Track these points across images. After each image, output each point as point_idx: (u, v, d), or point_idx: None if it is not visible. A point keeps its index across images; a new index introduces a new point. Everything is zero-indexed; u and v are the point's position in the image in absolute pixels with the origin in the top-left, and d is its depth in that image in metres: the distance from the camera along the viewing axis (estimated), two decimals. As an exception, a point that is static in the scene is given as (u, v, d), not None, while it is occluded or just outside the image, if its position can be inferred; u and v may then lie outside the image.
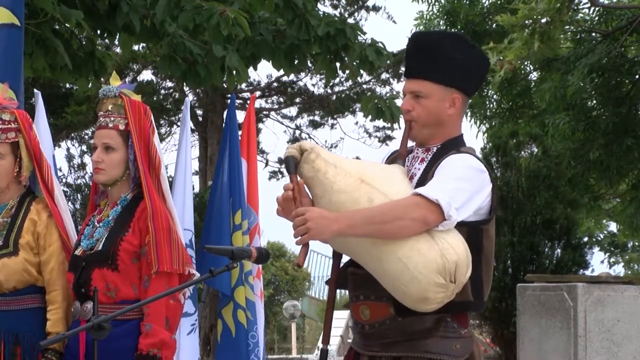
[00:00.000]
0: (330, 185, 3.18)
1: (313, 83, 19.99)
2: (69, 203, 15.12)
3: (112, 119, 3.84)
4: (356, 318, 3.33)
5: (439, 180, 3.19)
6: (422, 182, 3.27)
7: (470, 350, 3.26)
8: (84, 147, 16.51)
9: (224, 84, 7.39)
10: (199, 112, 19.35)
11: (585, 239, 15.30)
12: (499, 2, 12.85)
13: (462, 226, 3.21)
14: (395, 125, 6.23)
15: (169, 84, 19.11)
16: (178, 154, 6.20)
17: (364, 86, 19.71)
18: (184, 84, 16.60)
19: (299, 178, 3.24)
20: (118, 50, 14.93)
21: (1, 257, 3.88)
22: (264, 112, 20.44)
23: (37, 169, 4.00)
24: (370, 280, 3.21)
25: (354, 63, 6.87)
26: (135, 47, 14.28)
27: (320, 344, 3.43)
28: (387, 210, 3.11)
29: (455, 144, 3.35)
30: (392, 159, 3.44)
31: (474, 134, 12.86)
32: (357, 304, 3.30)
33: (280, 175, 19.69)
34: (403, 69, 3.45)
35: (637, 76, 11.86)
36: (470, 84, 3.42)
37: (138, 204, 3.81)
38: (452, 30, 13.34)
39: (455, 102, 3.34)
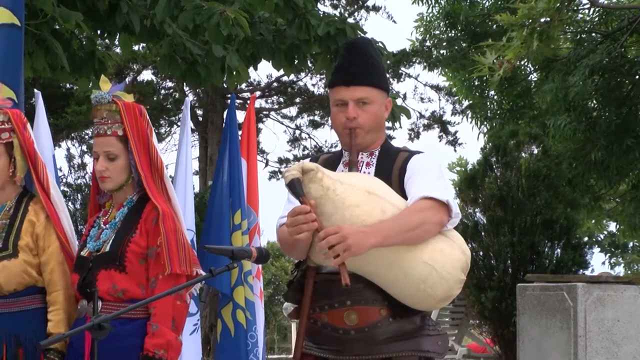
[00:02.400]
0: (342, 202, 3.16)
1: (313, 83, 20.02)
2: (69, 203, 15.12)
3: (109, 125, 3.81)
4: (335, 324, 3.30)
5: (428, 182, 3.26)
6: None
7: (446, 348, 3.38)
8: (84, 147, 16.52)
9: (224, 84, 7.39)
10: (199, 112, 19.37)
11: (585, 239, 15.30)
12: (499, 2, 12.86)
13: None
14: (397, 124, 6.23)
15: (169, 84, 19.13)
16: (178, 154, 6.21)
17: (364, 86, 19.67)
18: (184, 84, 16.61)
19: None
20: (118, 50, 14.94)
21: (1, 259, 3.87)
22: (264, 112, 20.46)
23: (33, 169, 3.98)
24: (357, 286, 3.22)
25: (354, 63, 6.85)
26: (135, 47, 14.30)
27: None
28: (410, 217, 3.16)
29: (391, 145, 3.48)
30: (328, 166, 3.41)
31: (474, 134, 12.91)
32: (341, 310, 3.28)
33: (280, 176, 19.70)
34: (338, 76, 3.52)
35: (637, 76, 11.87)
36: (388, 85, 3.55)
37: (144, 206, 3.81)
38: (453, 32, 13.37)
39: (388, 105, 3.47)
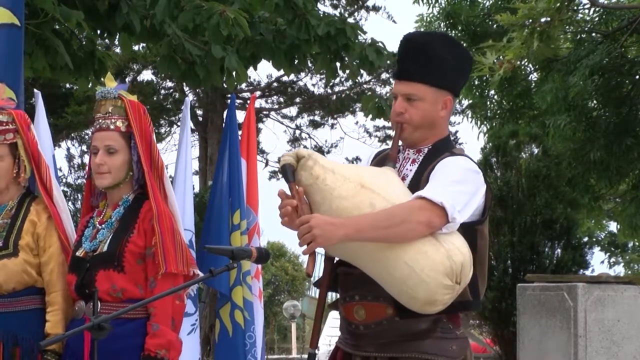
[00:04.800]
0: (330, 192, 3.14)
1: (313, 83, 20.04)
2: (69, 203, 15.13)
3: (113, 120, 3.81)
4: (349, 318, 3.30)
5: (438, 183, 3.17)
6: (415, 183, 3.26)
7: (465, 352, 3.27)
8: (84, 147, 16.55)
9: (224, 85, 7.41)
10: (199, 112, 19.38)
11: (585, 239, 15.30)
12: (499, 2, 12.85)
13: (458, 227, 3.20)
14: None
15: (169, 84, 19.15)
16: (178, 154, 6.20)
17: (364, 86, 19.74)
18: (184, 84, 16.62)
19: (297, 186, 3.18)
20: (118, 50, 14.95)
21: (1, 258, 3.86)
22: (264, 112, 20.48)
23: (36, 170, 3.98)
24: (366, 281, 3.20)
25: (354, 63, 6.87)
26: (135, 47, 14.30)
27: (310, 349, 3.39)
28: (393, 213, 3.09)
29: (446, 145, 3.36)
30: (380, 160, 3.42)
31: (474, 134, 12.93)
32: (351, 304, 3.28)
33: (280, 176, 19.73)
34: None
35: (637, 76, 11.86)
36: (459, 85, 3.43)
37: (141, 205, 3.79)
38: (453, 32, 13.35)
39: (447, 104, 3.33)
